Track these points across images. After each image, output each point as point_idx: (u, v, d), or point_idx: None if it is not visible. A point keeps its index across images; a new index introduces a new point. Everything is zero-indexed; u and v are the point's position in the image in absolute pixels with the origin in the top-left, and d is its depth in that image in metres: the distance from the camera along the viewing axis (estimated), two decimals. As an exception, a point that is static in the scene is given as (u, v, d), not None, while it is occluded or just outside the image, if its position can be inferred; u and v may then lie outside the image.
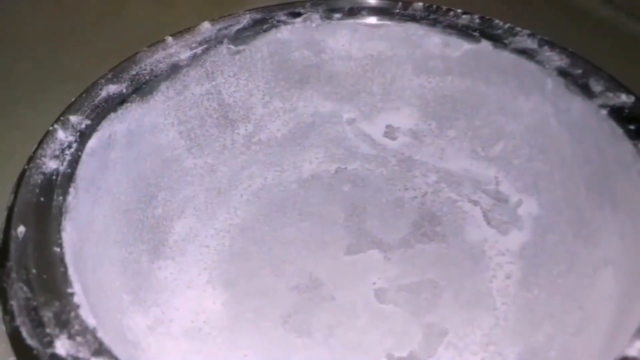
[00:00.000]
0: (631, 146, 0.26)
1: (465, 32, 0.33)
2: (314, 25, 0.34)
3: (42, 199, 0.24)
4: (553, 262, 0.29)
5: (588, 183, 0.29)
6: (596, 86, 0.29)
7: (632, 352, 0.20)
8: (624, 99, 0.28)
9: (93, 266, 0.25)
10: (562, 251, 0.29)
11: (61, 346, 0.19)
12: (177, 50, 0.32)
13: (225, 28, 0.33)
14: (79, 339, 0.19)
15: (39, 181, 0.24)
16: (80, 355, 0.18)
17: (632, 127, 0.26)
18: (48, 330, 0.19)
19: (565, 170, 0.30)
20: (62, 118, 0.27)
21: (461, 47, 0.33)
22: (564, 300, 0.27)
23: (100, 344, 0.19)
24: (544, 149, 0.32)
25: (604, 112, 0.27)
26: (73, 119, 0.27)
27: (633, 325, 0.22)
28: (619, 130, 0.27)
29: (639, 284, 0.24)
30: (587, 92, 0.29)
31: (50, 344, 0.19)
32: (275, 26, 0.34)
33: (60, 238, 0.22)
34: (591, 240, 0.28)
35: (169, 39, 0.32)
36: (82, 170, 0.26)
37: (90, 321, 0.20)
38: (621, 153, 0.26)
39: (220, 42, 0.33)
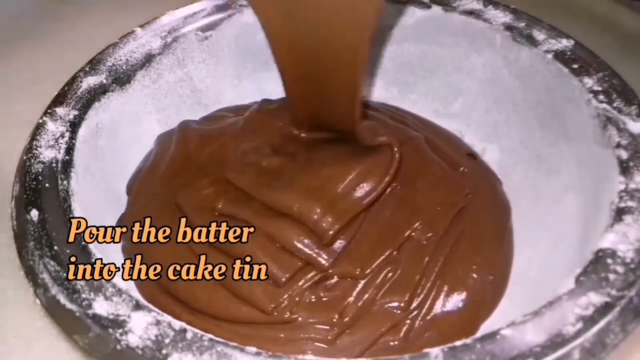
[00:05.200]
0: (577, 82, 0.29)
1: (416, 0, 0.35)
2: (275, 6, 0.36)
3: (47, 184, 0.24)
4: (520, 197, 0.32)
5: (541, 123, 0.32)
6: (539, 35, 0.32)
7: (605, 244, 0.23)
8: (565, 43, 0.31)
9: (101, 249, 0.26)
10: (526, 187, 0.32)
11: (100, 307, 0.20)
12: (148, 40, 0.33)
13: (191, 16, 0.34)
14: (115, 299, 0.20)
15: (40, 169, 0.25)
16: (121, 312, 0.19)
17: (575, 66, 0.30)
18: (84, 296, 0.20)
19: (520, 115, 0.34)
20: (49, 111, 0.28)
21: (414, 14, 0.35)
22: (536, 227, 0.30)
23: (137, 301, 0.20)
24: (499, 99, 0.35)
25: (550, 56, 0.31)
26: (60, 110, 0.28)
27: (598, 232, 0.25)
28: (565, 70, 0.30)
29: (598, 200, 0.27)
30: (532, 41, 0.32)
31: (90, 306, 0.20)
32: (239, 10, 0.35)
33: (74, 217, 0.23)
34: (551, 173, 0.31)
35: (138, 30, 0.33)
36: (78, 157, 0.26)
37: (122, 284, 0.21)
38: (569, 89, 0.30)
39: (189, 30, 0.34)
